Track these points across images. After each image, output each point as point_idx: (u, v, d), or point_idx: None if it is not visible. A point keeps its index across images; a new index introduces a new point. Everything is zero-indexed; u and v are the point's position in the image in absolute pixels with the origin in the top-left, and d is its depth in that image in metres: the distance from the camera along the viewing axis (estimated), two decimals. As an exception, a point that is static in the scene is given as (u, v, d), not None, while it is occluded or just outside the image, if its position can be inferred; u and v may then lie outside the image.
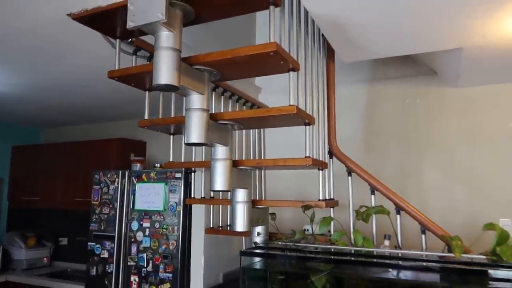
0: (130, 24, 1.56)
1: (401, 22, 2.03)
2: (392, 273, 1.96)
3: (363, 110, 3.53)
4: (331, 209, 2.43)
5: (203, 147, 2.70)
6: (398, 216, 2.32)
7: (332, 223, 2.28)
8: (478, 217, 2.90)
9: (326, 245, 2.24)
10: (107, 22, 1.87)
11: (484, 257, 1.89)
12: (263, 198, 3.07)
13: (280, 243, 2.32)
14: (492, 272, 1.74)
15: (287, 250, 2.18)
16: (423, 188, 3.23)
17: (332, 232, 2.37)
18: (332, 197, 2.46)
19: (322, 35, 2.43)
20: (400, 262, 1.95)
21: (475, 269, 1.77)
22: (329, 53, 2.54)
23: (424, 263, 1.90)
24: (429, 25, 2.05)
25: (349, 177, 2.47)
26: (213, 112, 2.64)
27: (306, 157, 2.05)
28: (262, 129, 3.21)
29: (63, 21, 2.08)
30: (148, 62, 2.25)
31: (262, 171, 3.09)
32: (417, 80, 3.36)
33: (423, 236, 2.26)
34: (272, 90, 3.57)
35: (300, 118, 1.93)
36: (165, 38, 1.58)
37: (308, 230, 2.46)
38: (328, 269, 2.11)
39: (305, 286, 2.11)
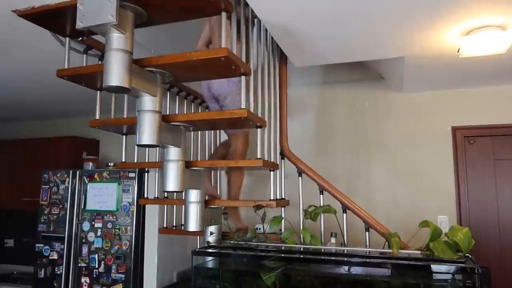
0: (79, 25, 1.55)
1: (347, 32, 2.14)
2: (337, 269, 2.07)
3: (315, 113, 3.65)
4: (282, 208, 2.51)
5: (157, 149, 2.70)
6: (344, 214, 2.44)
7: (282, 222, 2.36)
8: (419, 213, 3.09)
9: (277, 243, 2.32)
10: (56, 20, 1.84)
11: (419, 252, 2.04)
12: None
13: (232, 242, 2.38)
14: (425, 265, 1.89)
15: (238, 249, 2.24)
16: (371, 186, 3.40)
17: (283, 231, 2.46)
18: (283, 197, 2.54)
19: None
20: (345, 259, 2.07)
21: (410, 263, 1.90)
22: (282, 57, 2.62)
23: (366, 259, 2.02)
24: (373, 35, 2.17)
25: (300, 178, 2.56)
26: (167, 112, 2.67)
27: (257, 158, 2.12)
28: (217, 133, 3.24)
29: (7, 16, 2.01)
30: (100, 62, 2.22)
31: (218, 171, 3.13)
32: (366, 84, 3.53)
33: (367, 233, 2.40)
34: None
35: (251, 121, 1.99)
36: (116, 39, 1.58)
37: (259, 229, 2.54)
38: (277, 266, 2.20)
39: (256, 284, 2.18)
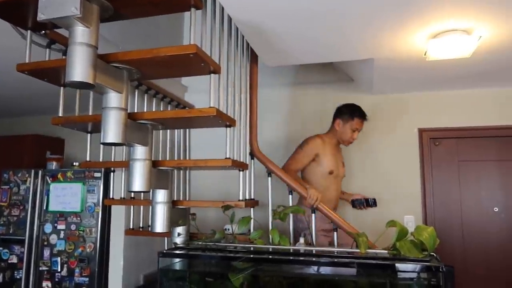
0: (41, 17, 1.48)
1: (317, 32, 2.15)
2: (305, 269, 2.07)
3: (285, 113, 3.66)
4: (251, 209, 2.50)
5: (124, 147, 2.63)
6: (313, 215, 2.44)
7: (251, 222, 2.34)
8: (386, 213, 3.12)
9: (245, 244, 2.29)
10: (16, 12, 1.75)
11: (386, 251, 2.06)
12: (186, 199, 3.06)
13: (200, 243, 2.34)
14: (391, 264, 1.91)
15: (206, 250, 2.20)
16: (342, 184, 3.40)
17: (251, 231, 2.44)
18: (252, 197, 2.52)
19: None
20: (313, 259, 2.07)
21: (378, 263, 1.92)
22: (253, 56, 2.60)
23: (334, 259, 2.03)
24: (344, 36, 2.19)
25: (269, 178, 2.55)
26: (135, 110, 2.60)
27: (226, 158, 2.09)
28: (187, 129, 3.19)
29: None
30: (63, 57, 2.14)
31: (186, 171, 3.08)
32: (336, 85, 3.57)
33: (335, 233, 2.41)
34: (199, 90, 3.54)
35: (220, 120, 1.96)
36: (80, 33, 1.52)
37: (228, 229, 2.51)
38: (246, 267, 2.17)
39: (224, 286, 2.15)
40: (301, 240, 2.33)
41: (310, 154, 2.77)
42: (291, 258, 2.15)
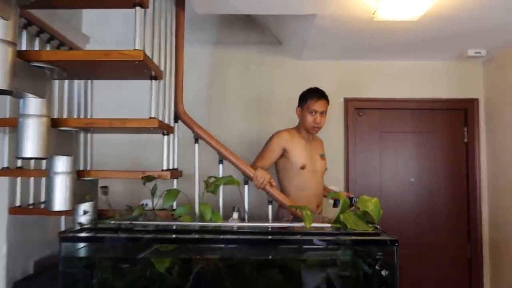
0: None
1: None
2: (239, 248, 1.81)
3: (206, 74, 3.29)
4: (175, 180, 2.14)
5: (8, 98, 2.03)
6: (246, 186, 2.18)
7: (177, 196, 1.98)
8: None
9: (169, 221, 1.95)
10: None
11: (329, 225, 1.90)
12: (88, 168, 2.54)
13: (113, 222, 1.92)
14: (343, 240, 1.75)
15: (121, 231, 1.80)
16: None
17: (174, 207, 2.09)
18: (176, 167, 2.16)
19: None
20: (249, 237, 1.82)
21: (330, 239, 1.74)
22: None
23: (269, 236, 1.80)
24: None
25: (196, 145, 2.21)
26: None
27: (151, 118, 1.69)
28: (89, 82, 2.58)
29: None
30: None
31: (89, 135, 2.54)
32: (262, 47, 3.30)
33: (269, 206, 2.19)
34: (104, 41, 3.00)
35: (146, 68, 1.55)
36: None
37: (147, 205, 2.12)
38: (171, 249, 1.84)
39: (146, 271, 1.79)
40: (235, 215, 2.05)
41: (277, 149, 2.48)
42: (221, 237, 1.86)
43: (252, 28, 3.24)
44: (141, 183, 2.80)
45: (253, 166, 2.36)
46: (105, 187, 1.99)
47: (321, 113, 2.47)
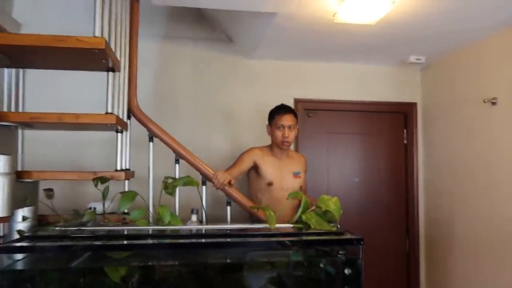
0: None
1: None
2: (202, 252, 1.72)
3: (154, 69, 3.12)
4: (126, 182, 1.99)
5: None
6: (204, 187, 2.09)
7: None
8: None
9: (125, 226, 1.80)
10: None
11: (291, 225, 1.88)
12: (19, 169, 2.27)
13: (57, 228, 1.73)
14: (311, 240, 1.73)
15: (67, 239, 1.63)
16: (211, 155, 3.09)
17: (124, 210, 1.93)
18: (128, 167, 2.01)
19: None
20: (215, 240, 1.73)
21: (295, 239, 1.71)
22: (133, -12, 2.03)
23: (247, 239, 1.73)
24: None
25: (151, 143, 2.07)
26: None
27: (107, 113, 1.55)
28: (21, 71, 2.30)
29: None
30: None
31: (23, 131, 2.28)
32: (212, 44, 3.21)
33: (228, 208, 2.12)
34: (39, 28, 2.71)
35: (105, 59, 1.41)
36: None
37: (95, 209, 1.94)
38: (126, 257, 1.69)
39: (99, 282, 1.62)
40: (193, 217, 1.95)
41: (247, 161, 2.47)
42: (181, 241, 1.74)
43: (202, 23, 3.14)
44: (82, 186, 2.59)
45: None
46: (50, 189, 1.78)
47: (289, 127, 2.49)
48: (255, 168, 2.51)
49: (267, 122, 2.60)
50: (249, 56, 3.16)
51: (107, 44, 1.32)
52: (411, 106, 3.48)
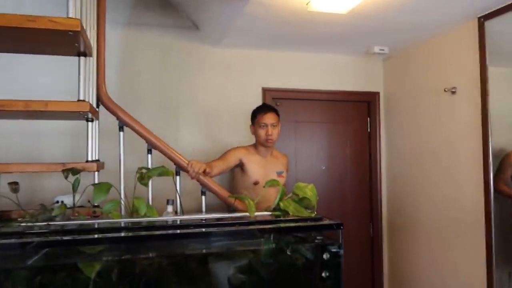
0: None
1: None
2: (185, 245, 1.68)
3: (119, 58, 2.99)
4: (96, 173, 1.90)
5: None
6: (178, 177, 2.04)
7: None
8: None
9: (97, 220, 1.72)
10: None
11: (269, 213, 1.88)
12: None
13: (23, 224, 1.62)
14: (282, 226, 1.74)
15: (32, 235, 1.53)
16: (180, 145, 3.01)
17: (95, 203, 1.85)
18: (97, 158, 1.92)
19: None
20: (195, 230, 1.69)
21: (274, 226, 1.71)
22: (100, -31, 1.92)
23: (224, 228, 1.71)
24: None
25: (121, 133, 1.99)
26: None
27: (80, 101, 1.46)
28: None
29: None
30: None
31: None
32: (178, 32, 3.12)
33: (203, 197, 2.08)
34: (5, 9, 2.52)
35: (78, 42, 1.32)
36: None
37: (61, 202, 1.84)
38: (100, 251, 1.62)
39: (71, 279, 1.54)
40: (169, 208, 1.90)
41: (232, 158, 2.50)
42: (157, 233, 1.69)
43: (167, 10, 3.05)
44: (44, 178, 2.46)
45: None
46: (15, 183, 1.67)
47: (272, 125, 2.53)
48: (240, 166, 2.54)
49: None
50: (216, 44, 3.10)
51: (82, 26, 1.24)
52: (374, 95, 3.58)
